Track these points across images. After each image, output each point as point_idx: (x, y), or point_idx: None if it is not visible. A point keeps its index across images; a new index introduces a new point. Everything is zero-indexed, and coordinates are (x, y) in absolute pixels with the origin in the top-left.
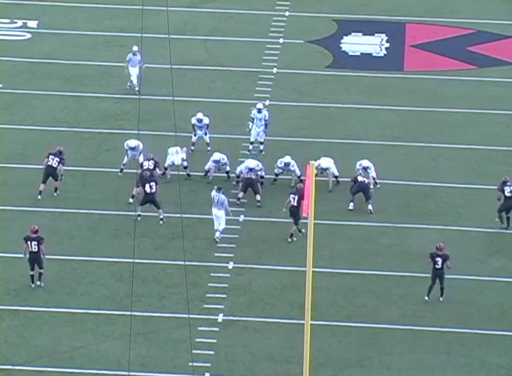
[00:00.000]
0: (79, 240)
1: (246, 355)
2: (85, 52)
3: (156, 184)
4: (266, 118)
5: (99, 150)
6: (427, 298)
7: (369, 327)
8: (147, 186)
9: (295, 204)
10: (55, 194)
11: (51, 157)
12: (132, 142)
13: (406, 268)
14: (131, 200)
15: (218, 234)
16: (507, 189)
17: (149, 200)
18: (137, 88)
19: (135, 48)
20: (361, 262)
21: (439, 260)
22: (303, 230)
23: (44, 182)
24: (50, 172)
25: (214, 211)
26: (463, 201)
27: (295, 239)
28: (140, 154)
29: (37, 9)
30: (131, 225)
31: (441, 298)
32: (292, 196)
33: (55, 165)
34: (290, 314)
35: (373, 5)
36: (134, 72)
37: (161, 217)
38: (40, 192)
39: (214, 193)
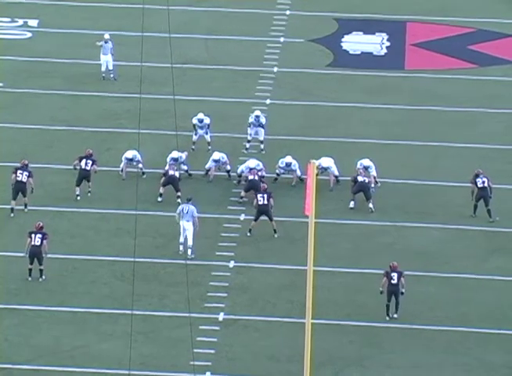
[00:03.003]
0: (80, 239)
1: (247, 354)
2: (85, 51)
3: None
4: (263, 124)
5: (99, 149)
6: (387, 318)
7: (369, 325)
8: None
9: (265, 202)
10: (26, 210)
11: (19, 172)
12: (129, 154)
13: (406, 266)
14: (159, 199)
15: (189, 252)
16: (479, 181)
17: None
18: (112, 75)
19: (107, 36)
20: (362, 261)
21: (395, 275)
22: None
23: (14, 199)
24: (20, 188)
25: (183, 222)
26: (463, 200)
27: (277, 235)
28: (139, 163)
29: (38, 8)
30: (132, 225)
31: (395, 315)
32: (260, 195)
33: (24, 180)
34: (291, 313)
35: (374, 3)
36: (105, 59)
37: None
38: (12, 209)
39: (181, 206)
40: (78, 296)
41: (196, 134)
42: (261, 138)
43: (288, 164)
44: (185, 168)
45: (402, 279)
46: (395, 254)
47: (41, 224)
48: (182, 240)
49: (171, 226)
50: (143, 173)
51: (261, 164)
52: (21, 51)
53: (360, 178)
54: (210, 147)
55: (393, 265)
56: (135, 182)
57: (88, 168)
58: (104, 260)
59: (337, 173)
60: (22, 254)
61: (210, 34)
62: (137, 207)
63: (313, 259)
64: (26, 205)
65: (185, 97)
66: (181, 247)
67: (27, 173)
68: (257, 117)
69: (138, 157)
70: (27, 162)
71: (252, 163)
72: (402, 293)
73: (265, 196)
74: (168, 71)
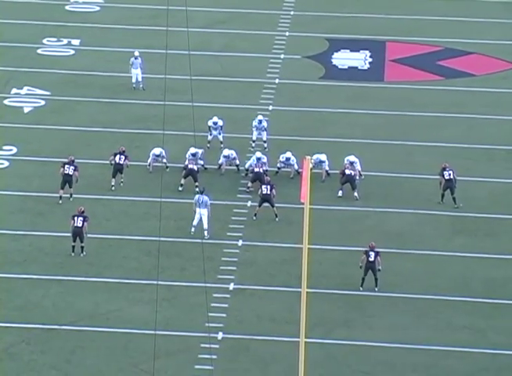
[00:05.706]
0: (114, 221)
1: (253, 317)
2: (119, 66)
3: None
4: (265, 127)
5: (130, 147)
6: (361, 288)
7: (354, 294)
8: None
9: (268, 192)
10: (71, 199)
11: (66, 166)
12: (156, 150)
13: (386, 245)
14: (180, 188)
15: (205, 233)
16: (446, 173)
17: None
18: (141, 85)
19: (137, 53)
20: (348, 240)
21: (372, 254)
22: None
23: (62, 188)
24: (67, 179)
25: (199, 210)
26: (433, 189)
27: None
28: (163, 159)
29: (80, 29)
30: (158, 210)
31: (376, 289)
32: (264, 186)
33: (70, 173)
34: (289, 283)
35: (359, 26)
36: (135, 73)
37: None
38: (60, 197)
39: (197, 196)
40: (112, 269)
41: (210, 134)
42: (264, 138)
43: (287, 159)
44: (201, 162)
45: (379, 257)
46: (376, 235)
47: (82, 208)
48: (195, 223)
49: (190, 211)
50: (167, 167)
51: (265, 157)
52: (65, 65)
53: (347, 172)
54: (222, 145)
55: (371, 245)
56: (160, 175)
57: (121, 163)
58: (134, 239)
59: (327, 168)
60: (66, 235)
61: (222, 52)
62: (161, 196)
63: (308, 238)
64: (71, 195)
65: (201, 104)
66: (193, 229)
67: (73, 167)
68: (260, 121)
69: (163, 153)
70: (73, 158)
71: (259, 154)
72: (379, 270)
73: (268, 187)
74: (188, 82)
